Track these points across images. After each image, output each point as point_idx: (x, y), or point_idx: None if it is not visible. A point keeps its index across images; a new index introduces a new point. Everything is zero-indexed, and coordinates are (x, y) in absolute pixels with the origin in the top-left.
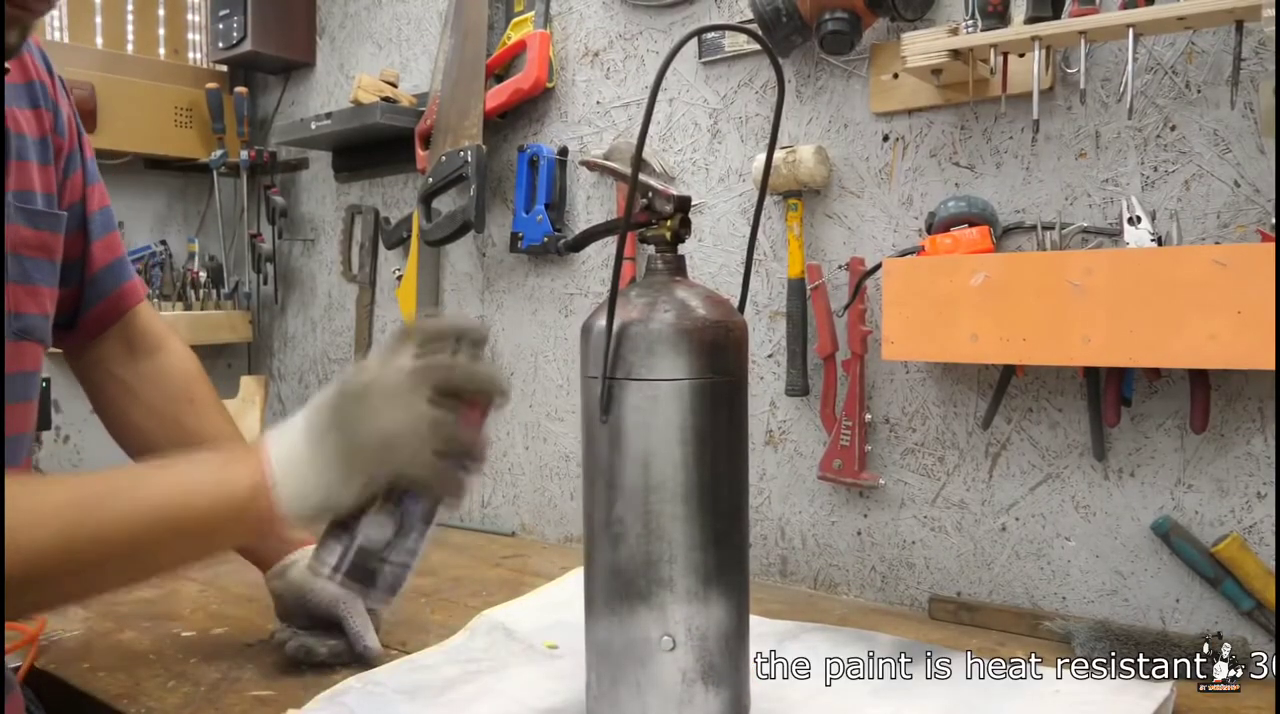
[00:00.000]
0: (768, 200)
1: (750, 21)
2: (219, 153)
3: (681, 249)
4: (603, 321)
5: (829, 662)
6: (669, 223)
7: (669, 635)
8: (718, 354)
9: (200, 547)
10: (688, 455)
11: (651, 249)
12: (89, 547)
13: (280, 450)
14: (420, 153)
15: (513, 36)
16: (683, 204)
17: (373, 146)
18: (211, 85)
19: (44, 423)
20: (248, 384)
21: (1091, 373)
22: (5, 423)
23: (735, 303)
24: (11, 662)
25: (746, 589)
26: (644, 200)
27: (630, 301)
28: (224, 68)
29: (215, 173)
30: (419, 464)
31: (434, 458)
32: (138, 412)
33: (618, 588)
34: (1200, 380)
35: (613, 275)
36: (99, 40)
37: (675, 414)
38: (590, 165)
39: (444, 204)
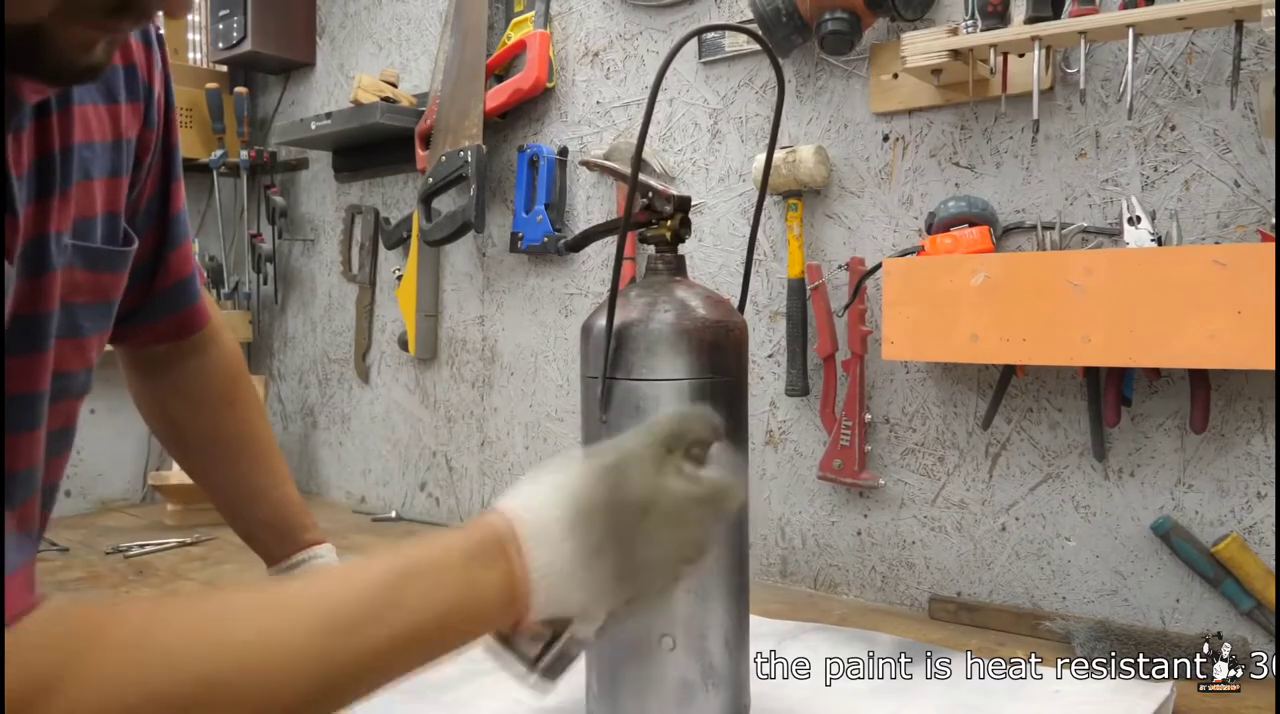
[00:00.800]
0: (768, 200)
1: (750, 21)
2: (219, 153)
3: (681, 249)
4: (603, 321)
5: (829, 662)
6: (669, 223)
7: (669, 636)
8: (717, 354)
9: (446, 652)
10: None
11: (651, 249)
12: (344, 681)
13: (548, 563)
14: (420, 153)
15: (513, 36)
16: (682, 204)
17: (373, 146)
18: (211, 85)
19: None
20: None
21: (1091, 373)
22: (45, 472)
23: (735, 303)
24: None
25: (746, 590)
26: (644, 200)
27: (630, 302)
28: (224, 68)
29: (215, 173)
30: (674, 583)
31: (682, 573)
32: (176, 406)
33: None
34: (1200, 380)
35: (613, 275)
36: None
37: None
38: (590, 165)
39: (444, 204)
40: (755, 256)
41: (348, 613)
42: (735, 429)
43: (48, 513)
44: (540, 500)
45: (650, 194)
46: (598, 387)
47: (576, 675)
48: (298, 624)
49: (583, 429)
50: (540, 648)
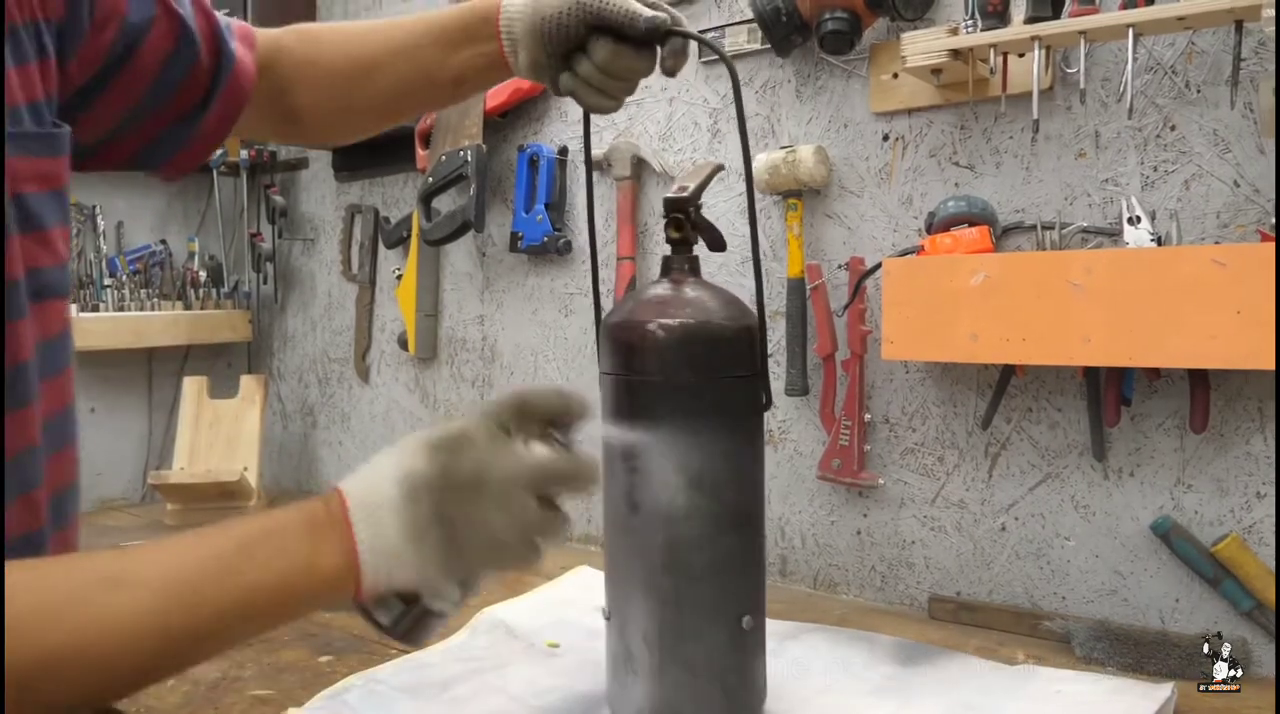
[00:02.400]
0: (768, 200)
1: (750, 21)
2: (219, 152)
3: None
4: (624, 320)
5: (829, 662)
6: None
7: (749, 615)
8: (734, 353)
9: (281, 622)
10: (707, 452)
11: (668, 249)
12: (184, 638)
13: (373, 539)
14: (420, 152)
15: None
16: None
17: (373, 146)
18: None
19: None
20: (248, 384)
21: (1091, 373)
22: (43, 400)
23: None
24: None
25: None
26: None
27: (648, 301)
28: None
29: (215, 172)
30: (518, 560)
31: (531, 549)
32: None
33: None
34: (1200, 380)
35: (620, 285)
36: None
37: (694, 411)
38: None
39: (444, 204)
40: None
41: (188, 582)
42: (752, 426)
43: (64, 448)
44: (372, 479)
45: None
46: (614, 383)
47: (578, 674)
48: (139, 600)
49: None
50: (395, 617)
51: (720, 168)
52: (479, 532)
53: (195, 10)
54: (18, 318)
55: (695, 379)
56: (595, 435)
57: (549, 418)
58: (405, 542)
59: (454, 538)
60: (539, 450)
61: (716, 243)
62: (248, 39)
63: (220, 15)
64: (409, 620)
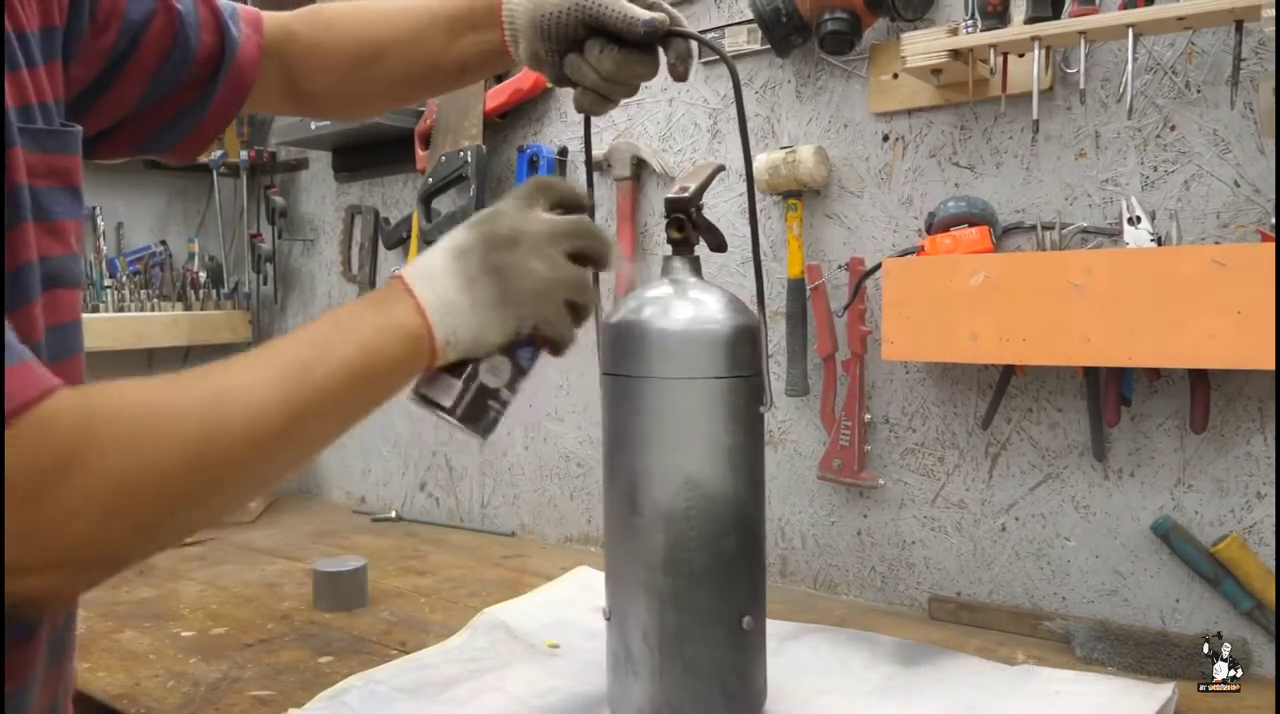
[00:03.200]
0: (768, 200)
1: (750, 21)
2: (219, 153)
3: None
4: (627, 318)
5: (830, 662)
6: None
7: (749, 616)
8: (735, 353)
9: (386, 393)
10: (708, 452)
11: (669, 249)
12: (308, 413)
13: (433, 295)
14: (420, 153)
15: None
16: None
17: (373, 146)
18: None
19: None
20: None
21: (1091, 373)
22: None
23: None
24: None
25: (764, 581)
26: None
27: (649, 301)
28: None
29: (215, 173)
30: (558, 316)
31: (566, 310)
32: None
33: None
34: (1200, 380)
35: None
36: None
37: (695, 411)
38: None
39: (444, 204)
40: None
41: (297, 359)
42: (753, 425)
43: None
44: (425, 257)
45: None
46: (619, 383)
47: (578, 674)
48: (256, 380)
49: (605, 426)
50: (456, 395)
51: (721, 168)
52: (521, 276)
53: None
54: (31, 300)
55: (695, 379)
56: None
57: (564, 201)
58: (461, 292)
59: (501, 284)
60: (572, 218)
61: (718, 244)
62: (255, 23)
63: (226, 1)
64: (469, 397)
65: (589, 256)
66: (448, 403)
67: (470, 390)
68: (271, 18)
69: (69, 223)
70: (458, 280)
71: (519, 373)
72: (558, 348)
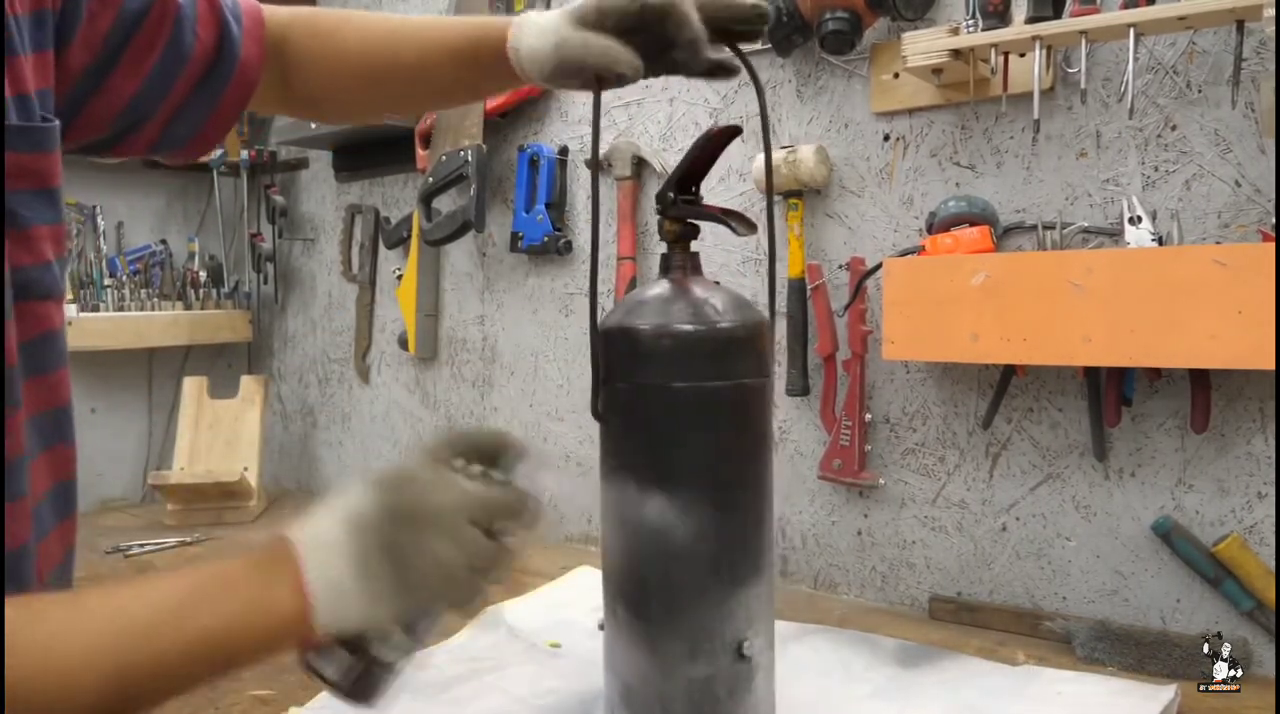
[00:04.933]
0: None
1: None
2: (219, 152)
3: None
4: (627, 323)
5: (831, 664)
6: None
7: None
8: (744, 355)
9: (238, 668)
10: (713, 457)
11: (665, 248)
12: (143, 683)
13: (322, 575)
14: (420, 152)
15: None
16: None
17: (373, 146)
18: None
19: None
20: (248, 384)
21: (1092, 373)
22: (35, 400)
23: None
24: None
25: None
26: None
27: (647, 303)
28: None
29: (215, 172)
30: (463, 593)
31: (477, 584)
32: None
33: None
34: (1200, 380)
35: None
36: None
37: (701, 416)
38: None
39: (444, 204)
40: (755, 256)
41: (143, 621)
42: (761, 430)
43: (61, 444)
44: (320, 521)
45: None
46: (622, 390)
47: (579, 675)
48: (90, 642)
49: (606, 433)
50: (343, 671)
51: (715, 132)
52: (425, 561)
53: None
54: (2, 318)
55: (696, 383)
56: (532, 478)
57: (488, 456)
58: (354, 575)
59: (401, 569)
60: (480, 484)
61: (744, 223)
62: (256, 19)
63: None
64: (357, 673)
65: (513, 524)
66: (334, 677)
67: (359, 665)
68: (271, 14)
69: (42, 228)
70: (350, 561)
71: (416, 643)
72: (464, 612)
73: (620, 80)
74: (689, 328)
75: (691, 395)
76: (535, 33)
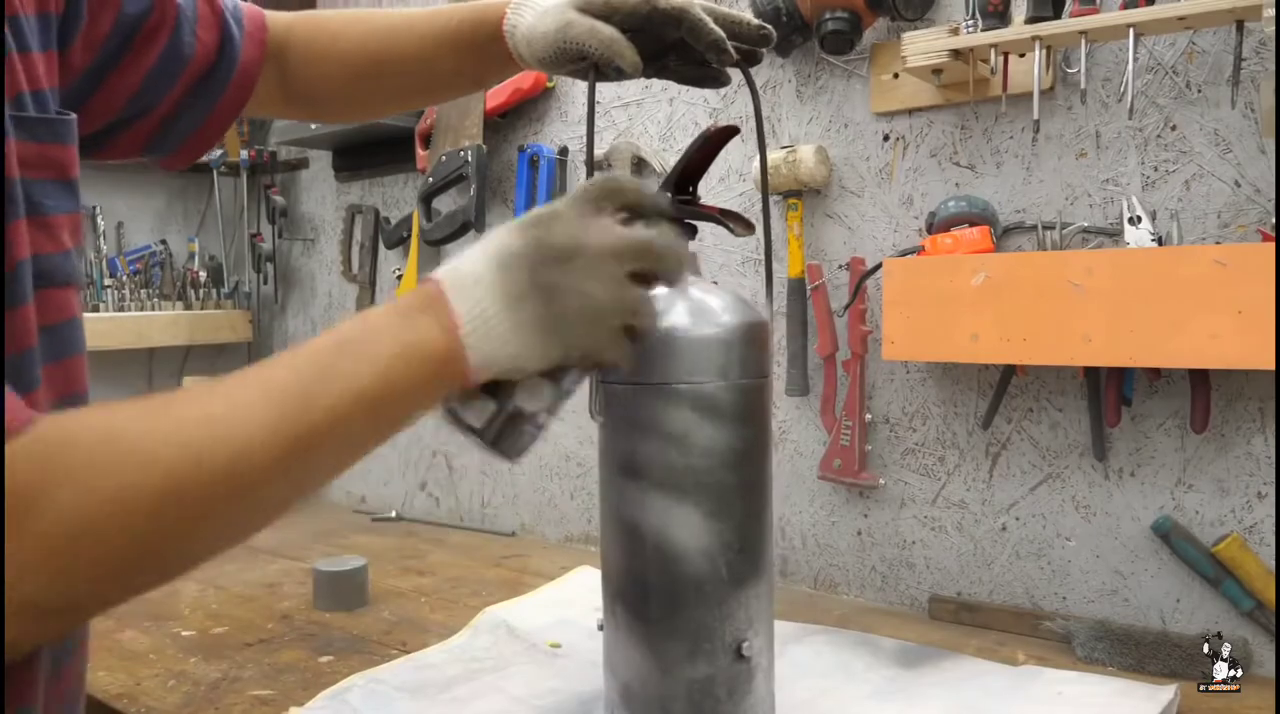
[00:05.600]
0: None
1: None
2: (219, 152)
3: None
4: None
5: (831, 664)
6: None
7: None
8: (745, 355)
9: (402, 423)
10: (715, 459)
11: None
12: (307, 449)
13: (471, 310)
14: (420, 152)
15: None
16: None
17: (373, 146)
18: None
19: None
20: None
21: (1092, 373)
22: (53, 385)
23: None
24: None
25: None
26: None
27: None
28: None
29: (215, 172)
30: (611, 343)
31: (623, 335)
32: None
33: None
34: (1200, 380)
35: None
36: None
37: (700, 416)
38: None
39: (444, 204)
40: (755, 256)
41: (297, 382)
42: (760, 431)
43: None
44: (466, 261)
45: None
46: (619, 390)
47: (579, 675)
48: (251, 412)
49: (605, 434)
50: (487, 418)
51: (713, 131)
52: (574, 299)
53: None
54: (25, 302)
55: (695, 384)
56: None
57: (634, 206)
58: (503, 310)
59: (550, 306)
60: (637, 232)
61: (742, 223)
62: (258, 23)
63: None
64: (500, 421)
65: (657, 275)
66: (478, 425)
67: (504, 413)
68: (274, 19)
69: (62, 217)
70: (501, 296)
71: (560, 395)
72: (607, 371)
73: (618, 75)
74: (686, 328)
75: (690, 396)
76: (534, 14)
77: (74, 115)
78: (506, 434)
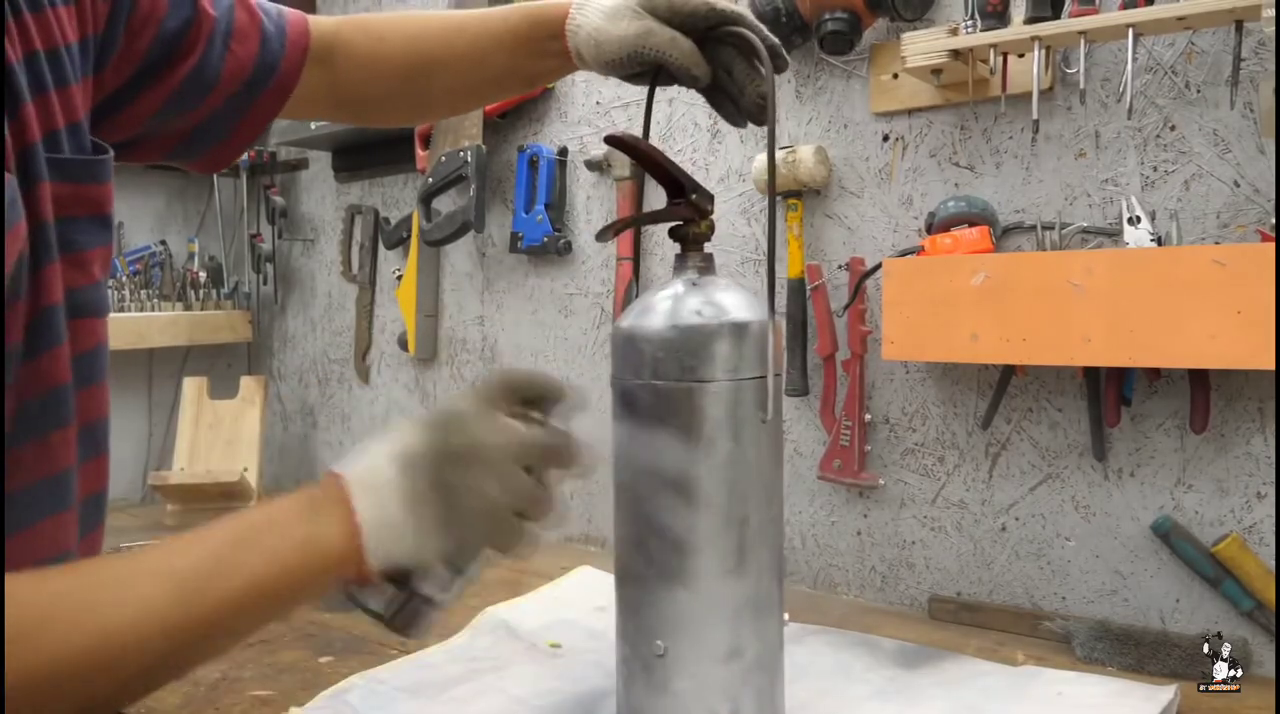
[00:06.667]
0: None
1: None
2: None
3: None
4: (644, 323)
5: (831, 665)
6: (705, 222)
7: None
8: (756, 353)
9: (290, 610)
10: (725, 458)
11: (679, 247)
12: (196, 640)
13: (372, 511)
14: (420, 153)
15: None
16: (711, 199)
17: (373, 146)
18: None
19: None
20: (248, 384)
21: (1091, 373)
22: (80, 407)
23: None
24: None
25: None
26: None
27: (662, 302)
28: None
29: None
30: (508, 533)
31: (521, 525)
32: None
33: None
34: (1200, 380)
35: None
36: None
37: (716, 414)
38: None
39: (444, 204)
40: (754, 256)
41: (194, 573)
42: (771, 428)
43: (98, 455)
44: (368, 458)
45: (695, 193)
46: (634, 390)
47: (579, 675)
48: (142, 600)
49: (620, 433)
50: (387, 602)
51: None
52: (474, 499)
53: (237, 4)
54: (57, 344)
55: (703, 383)
56: (577, 423)
57: (533, 398)
58: (404, 512)
59: (450, 505)
60: (527, 427)
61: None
62: (301, 29)
63: (270, 4)
64: (402, 606)
65: (562, 469)
66: (378, 609)
67: (404, 599)
68: (317, 24)
69: (94, 252)
70: (402, 498)
71: (463, 581)
72: (507, 552)
73: (692, 82)
74: (697, 326)
75: (695, 395)
76: (601, 15)
77: (110, 153)
78: (406, 616)
